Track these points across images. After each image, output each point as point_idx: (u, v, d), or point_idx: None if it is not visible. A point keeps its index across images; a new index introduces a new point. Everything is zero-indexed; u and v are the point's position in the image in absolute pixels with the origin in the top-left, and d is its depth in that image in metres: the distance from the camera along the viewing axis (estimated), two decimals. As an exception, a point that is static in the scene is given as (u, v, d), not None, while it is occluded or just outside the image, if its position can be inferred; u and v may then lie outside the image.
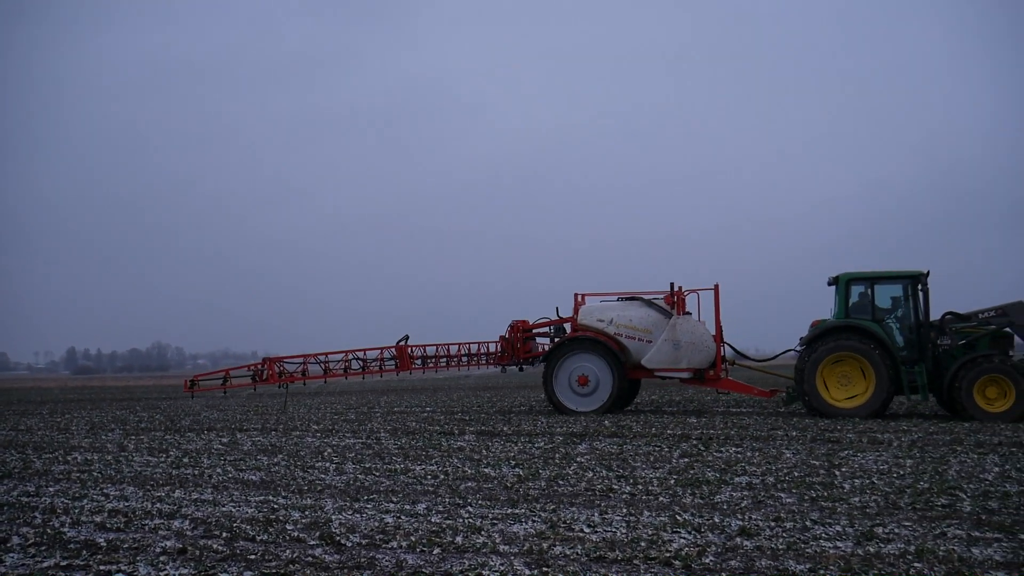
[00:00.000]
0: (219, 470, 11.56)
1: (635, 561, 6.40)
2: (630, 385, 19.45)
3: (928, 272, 16.27)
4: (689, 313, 18.65)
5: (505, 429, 16.16)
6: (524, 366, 20.90)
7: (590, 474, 10.40)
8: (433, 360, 23.25)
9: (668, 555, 6.49)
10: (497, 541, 7.08)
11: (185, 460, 12.70)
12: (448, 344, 23.80)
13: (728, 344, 18.72)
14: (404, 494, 9.42)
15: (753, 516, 7.82)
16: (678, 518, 7.78)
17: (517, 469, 10.94)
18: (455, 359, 23.72)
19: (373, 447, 13.75)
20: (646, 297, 18.94)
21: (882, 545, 6.67)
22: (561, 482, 9.91)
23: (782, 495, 8.83)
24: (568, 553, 6.65)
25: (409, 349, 22.84)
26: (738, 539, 6.96)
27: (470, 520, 7.92)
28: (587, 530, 7.41)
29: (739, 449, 12.35)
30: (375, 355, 23.65)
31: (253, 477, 10.91)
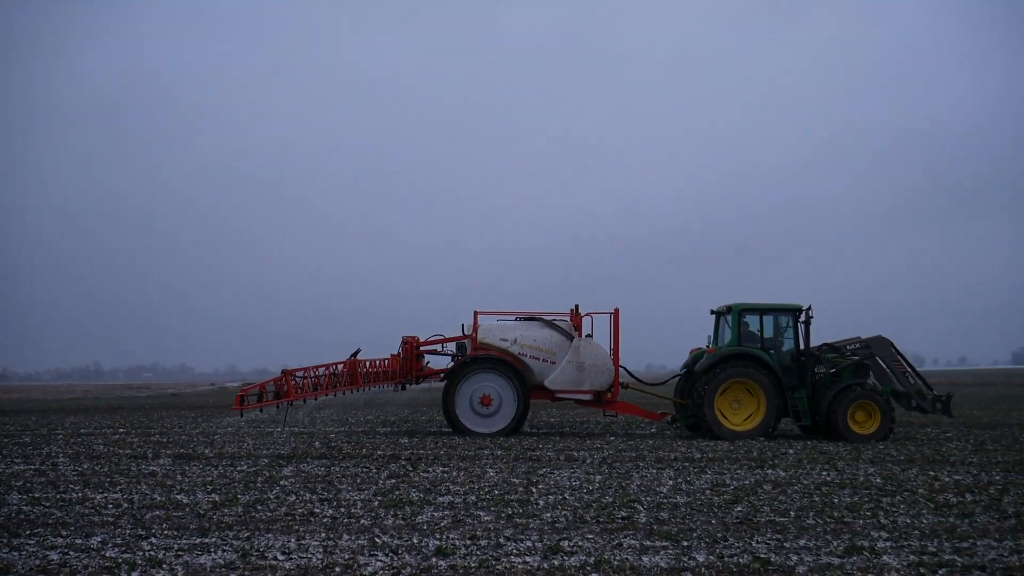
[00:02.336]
0: None
1: (327, 588, 6.22)
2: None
3: (810, 306, 17.48)
4: (591, 336, 18.54)
5: (207, 452, 15.18)
6: (407, 385, 19.35)
7: (292, 498, 10.02)
8: (374, 376, 19.72)
9: (362, 579, 6.38)
10: (179, 574, 6.55)
11: None
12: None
13: (623, 367, 18.68)
14: (77, 526, 8.45)
15: (451, 535, 7.94)
16: (377, 540, 7.70)
17: (213, 495, 10.27)
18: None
19: (47, 474, 12.26)
20: (547, 318, 18.63)
21: (566, 558, 7.05)
22: (260, 507, 9.44)
23: (481, 513, 9.07)
24: (257, 583, 6.31)
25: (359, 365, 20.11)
26: (434, 559, 7.02)
27: (151, 552, 7.27)
28: (281, 557, 7.10)
29: (446, 469, 12.56)
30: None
31: None
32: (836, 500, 9.82)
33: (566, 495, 10.16)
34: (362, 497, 10.07)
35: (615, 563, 6.85)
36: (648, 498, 9.91)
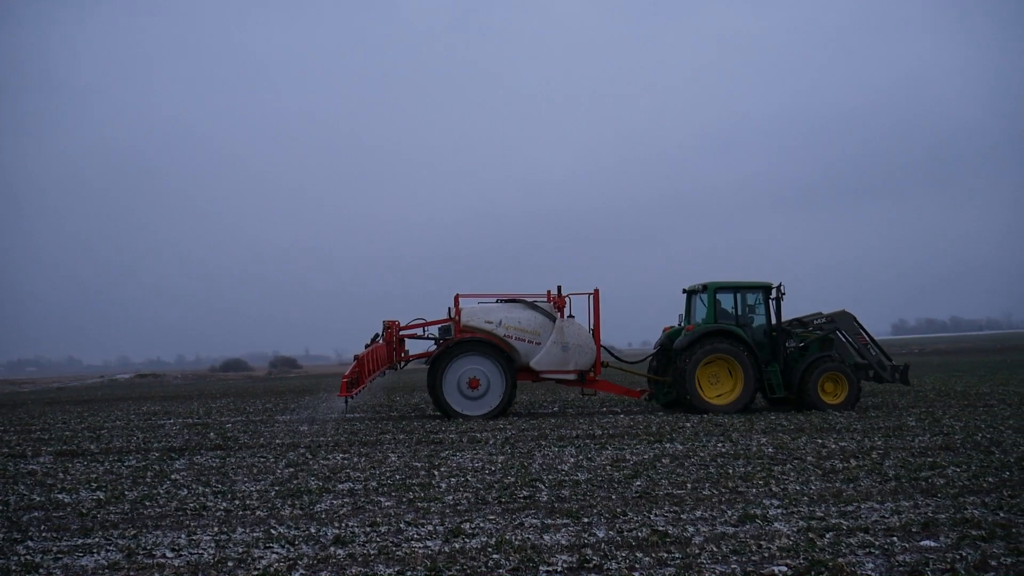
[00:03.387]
0: None
1: (219, 584, 5.98)
2: None
3: (780, 284, 17.94)
4: (573, 316, 18.54)
5: (92, 447, 14.46)
6: (388, 370, 19.04)
7: (184, 492, 9.63)
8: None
9: (256, 573, 6.17)
10: (58, 578, 6.18)
11: None
12: None
13: (604, 346, 18.83)
14: (-56, 533, 7.88)
15: (350, 523, 7.77)
16: (273, 532, 7.47)
17: (98, 492, 9.77)
18: None
19: (-87, 478, 11.43)
20: (528, 299, 18.60)
21: (467, 540, 6.99)
22: (149, 503, 9.03)
23: (382, 499, 8.93)
24: (143, 583, 6.01)
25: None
26: (332, 548, 6.85)
27: (28, 557, 6.84)
28: (170, 554, 6.80)
29: (346, 455, 12.33)
30: None
31: None
32: (731, 470, 10.10)
33: (468, 477, 10.11)
34: (258, 488, 9.77)
35: (516, 543, 6.84)
36: (550, 476, 9.97)
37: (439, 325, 18.71)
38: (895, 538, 6.74)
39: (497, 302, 18.73)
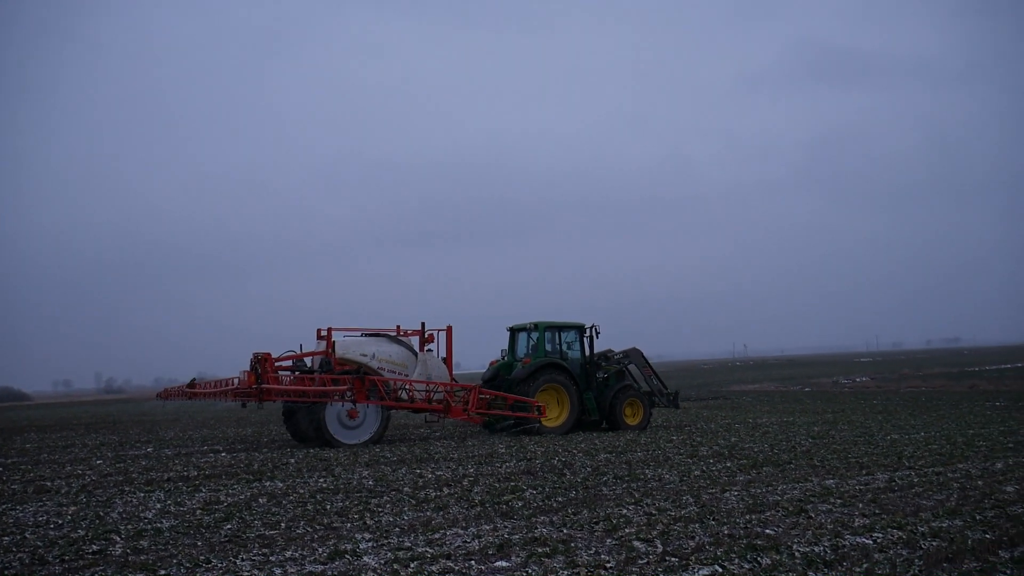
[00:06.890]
0: None
1: None
2: None
3: (594, 324, 20.69)
4: (431, 350, 19.55)
5: None
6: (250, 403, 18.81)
7: None
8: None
9: None
10: None
11: None
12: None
13: (453, 378, 19.78)
14: None
15: None
16: None
17: None
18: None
19: None
20: (391, 334, 19.32)
21: (11, 610, 6.00)
22: None
23: (-98, 570, 7.35)
24: None
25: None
26: None
27: None
28: None
29: None
30: None
31: None
32: (328, 506, 9.99)
33: (27, 534, 8.75)
34: None
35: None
36: (128, 526, 9.00)
37: (319, 357, 18.57)
38: (473, 562, 7.12)
39: (362, 335, 19.30)
